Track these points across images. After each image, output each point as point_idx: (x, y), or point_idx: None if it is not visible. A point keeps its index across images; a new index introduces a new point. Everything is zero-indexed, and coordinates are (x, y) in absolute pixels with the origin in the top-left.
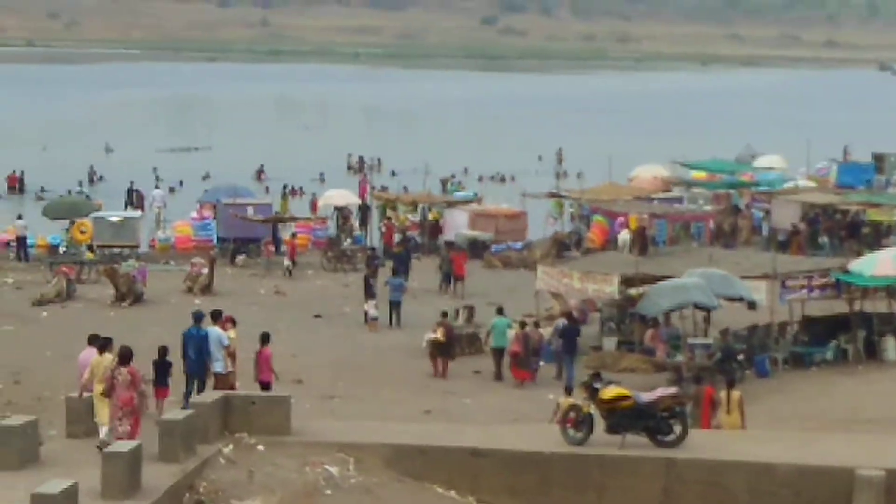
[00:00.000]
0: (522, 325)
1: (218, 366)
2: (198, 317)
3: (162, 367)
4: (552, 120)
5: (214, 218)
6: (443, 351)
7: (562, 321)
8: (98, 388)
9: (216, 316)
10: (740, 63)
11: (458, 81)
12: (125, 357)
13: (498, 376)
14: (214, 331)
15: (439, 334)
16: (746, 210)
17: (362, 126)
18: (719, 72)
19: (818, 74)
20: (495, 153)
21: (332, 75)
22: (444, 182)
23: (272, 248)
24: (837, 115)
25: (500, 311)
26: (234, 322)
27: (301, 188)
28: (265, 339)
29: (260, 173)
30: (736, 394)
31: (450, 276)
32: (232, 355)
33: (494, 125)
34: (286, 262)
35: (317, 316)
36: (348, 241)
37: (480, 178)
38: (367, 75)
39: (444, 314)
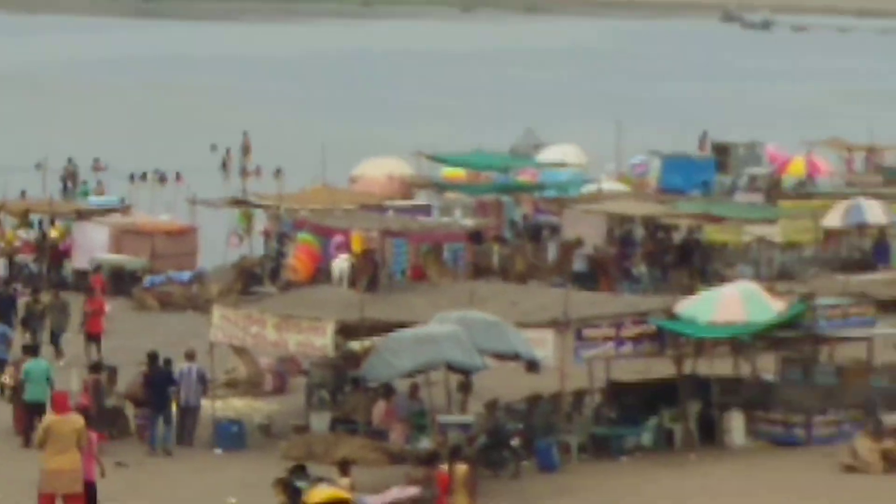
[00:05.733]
0: (96, 367)
1: None
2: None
3: None
4: (234, 92)
5: None
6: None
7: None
8: None
9: None
10: (519, 8)
11: (92, 33)
12: None
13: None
14: None
15: (7, 376)
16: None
17: None
18: (487, 21)
19: (637, 26)
20: (149, 139)
21: None
22: (67, 181)
23: None
24: (664, 85)
25: (32, 351)
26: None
27: None
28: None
29: None
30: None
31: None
32: None
33: (145, 97)
34: None
35: None
36: None
37: (132, 178)
38: None
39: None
